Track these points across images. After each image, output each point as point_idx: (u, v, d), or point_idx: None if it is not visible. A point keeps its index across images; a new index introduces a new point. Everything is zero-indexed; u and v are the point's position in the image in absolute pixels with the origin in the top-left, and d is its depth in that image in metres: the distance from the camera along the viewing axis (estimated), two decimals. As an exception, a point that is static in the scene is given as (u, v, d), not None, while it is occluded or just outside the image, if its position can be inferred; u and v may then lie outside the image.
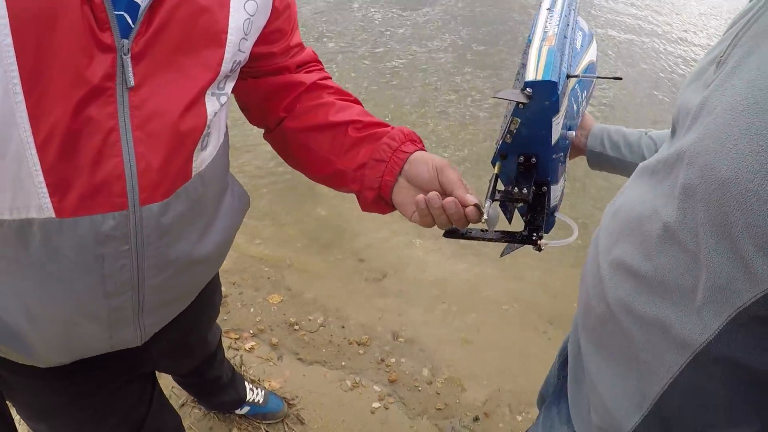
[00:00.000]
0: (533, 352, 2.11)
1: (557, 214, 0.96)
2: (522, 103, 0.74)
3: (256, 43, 0.79)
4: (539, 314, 2.27)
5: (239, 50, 0.75)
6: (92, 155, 0.62)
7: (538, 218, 0.82)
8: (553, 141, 0.78)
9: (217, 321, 1.38)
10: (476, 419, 1.84)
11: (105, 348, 0.77)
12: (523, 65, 0.82)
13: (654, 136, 1.05)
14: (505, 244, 0.86)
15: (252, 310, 2.20)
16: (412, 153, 0.83)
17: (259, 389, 1.76)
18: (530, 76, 0.72)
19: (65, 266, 0.66)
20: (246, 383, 1.72)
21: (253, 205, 1.01)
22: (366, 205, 0.89)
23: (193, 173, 0.74)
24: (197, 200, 0.76)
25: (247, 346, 2.06)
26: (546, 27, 0.83)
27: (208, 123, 0.72)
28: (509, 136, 0.79)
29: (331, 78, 0.95)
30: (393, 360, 2.01)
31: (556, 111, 0.75)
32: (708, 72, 0.64)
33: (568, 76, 0.80)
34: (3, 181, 0.60)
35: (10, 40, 0.54)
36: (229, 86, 0.77)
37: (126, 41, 0.60)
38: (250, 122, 0.96)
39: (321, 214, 2.75)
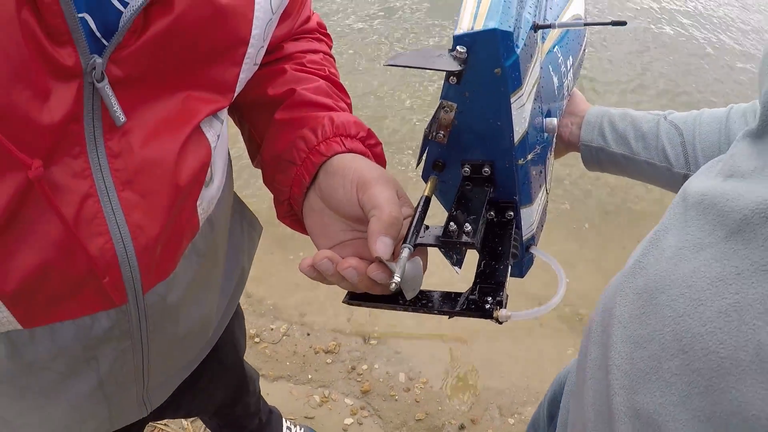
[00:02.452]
0: (524, 344, 1.89)
1: (535, 251, 0.65)
2: (452, 74, 0.46)
3: None
4: (529, 300, 2.05)
5: (255, 64, 0.55)
6: (62, 241, 0.44)
7: (498, 269, 0.51)
8: (518, 136, 0.50)
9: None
10: (462, 427, 1.62)
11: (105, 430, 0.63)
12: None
13: (678, 120, 0.74)
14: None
15: (208, 323, 1.98)
16: (331, 156, 0.55)
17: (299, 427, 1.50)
18: (464, 26, 0.45)
19: (45, 378, 0.52)
20: (284, 422, 1.44)
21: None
22: (281, 218, 0.63)
23: (201, 222, 0.57)
24: (207, 253, 0.61)
25: (205, 365, 1.85)
26: None
27: (212, 154, 0.54)
28: (443, 132, 0.50)
29: (323, 50, 0.70)
30: (365, 367, 1.79)
31: (517, 84, 0.47)
32: None
33: (536, 28, 0.51)
34: None
35: None
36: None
37: (98, 60, 0.40)
38: None
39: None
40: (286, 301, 2.03)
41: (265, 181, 0.64)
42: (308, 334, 1.91)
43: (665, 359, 0.34)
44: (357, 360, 1.82)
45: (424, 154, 0.54)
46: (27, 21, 0.36)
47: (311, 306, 2.01)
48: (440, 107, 0.49)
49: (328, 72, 0.66)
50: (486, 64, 0.45)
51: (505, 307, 0.49)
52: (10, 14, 0.35)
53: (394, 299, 0.52)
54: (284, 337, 1.90)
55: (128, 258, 0.48)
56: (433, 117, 0.50)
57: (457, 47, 0.44)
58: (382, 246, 0.46)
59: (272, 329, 1.93)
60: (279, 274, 2.14)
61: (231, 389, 1.05)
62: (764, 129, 0.35)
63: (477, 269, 0.52)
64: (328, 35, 0.74)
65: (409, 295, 0.49)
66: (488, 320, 0.49)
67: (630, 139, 0.75)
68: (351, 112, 0.65)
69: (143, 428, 0.85)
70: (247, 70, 0.54)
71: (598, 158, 0.79)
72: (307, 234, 0.59)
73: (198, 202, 0.55)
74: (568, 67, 0.69)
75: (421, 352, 1.84)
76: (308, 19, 0.70)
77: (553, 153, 0.72)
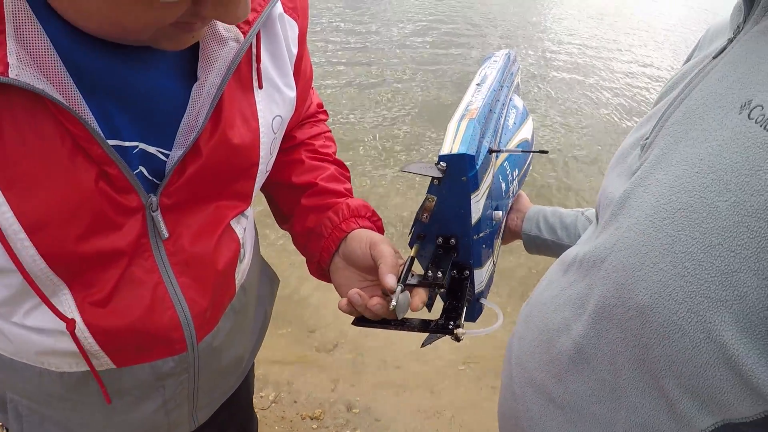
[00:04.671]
0: (492, 410, 2.08)
1: (483, 300, 0.87)
2: (436, 178, 0.68)
3: None
4: (497, 371, 2.26)
5: (266, 171, 0.73)
6: (144, 312, 0.61)
7: (457, 305, 0.75)
8: (474, 220, 0.72)
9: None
10: (435, 488, 1.78)
11: None
12: None
13: (590, 215, 0.98)
14: (425, 333, 0.76)
15: (200, 391, 2.12)
16: (350, 231, 0.78)
17: None
18: (445, 149, 0.68)
19: (127, 400, 0.69)
20: None
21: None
22: (312, 273, 0.87)
23: (237, 289, 0.75)
24: (240, 310, 0.78)
25: (196, 430, 1.97)
26: (470, 101, 0.79)
27: (241, 243, 0.72)
28: (426, 215, 0.73)
29: (325, 131, 0.93)
30: (347, 432, 1.95)
31: (476, 187, 0.69)
32: (632, 155, 0.56)
33: (490, 151, 0.74)
34: (59, 349, 0.61)
35: (34, 251, 0.52)
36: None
37: (153, 198, 0.57)
38: None
39: (271, 287, 2.71)
40: (276, 370, 2.20)
41: (296, 246, 0.87)
42: (295, 402, 2.07)
43: (533, 342, 0.61)
44: (340, 426, 1.97)
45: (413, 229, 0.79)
46: (103, 189, 0.53)
47: (300, 376, 2.18)
48: (426, 199, 0.71)
49: (333, 156, 0.90)
50: (457, 173, 0.67)
51: (459, 327, 0.73)
52: (92, 187, 0.52)
53: (387, 323, 0.75)
54: (273, 404, 2.05)
55: (188, 322, 0.65)
56: (421, 205, 0.73)
57: (441, 162, 0.67)
58: (389, 279, 0.69)
59: (262, 396, 2.08)
60: (270, 347, 2.31)
61: (241, 427, 1.22)
62: (596, 219, 0.61)
63: (443, 307, 0.77)
64: (325, 112, 0.95)
65: (399, 317, 0.73)
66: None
67: (557, 229, 1.00)
68: (350, 181, 0.89)
69: None
70: (259, 181, 0.71)
71: (535, 244, 1.04)
72: (329, 282, 0.83)
73: (235, 276, 0.73)
74: (514, 177, 0.95)
75: (399, 421, 2.01)
76: (310, 104, 0.90)
77: (501, 237, 0.97)
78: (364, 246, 0.76)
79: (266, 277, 0.98)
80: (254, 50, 0.62)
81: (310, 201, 0.83)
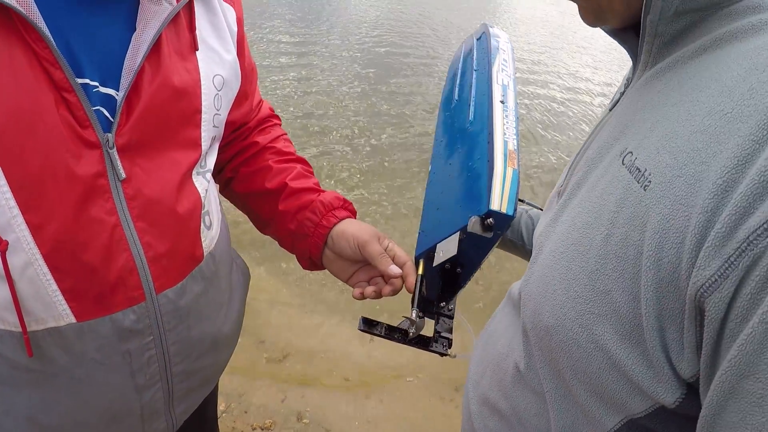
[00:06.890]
0: (441, 421, 2.16)
1: (459, 317, 0.93)
2: (481, 227, 0.68)
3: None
4: (444, 382, 2.34)
5: (214, 126, 0.77)
6: (102, 254, 0.63)
7: (449, 323, 0.82)
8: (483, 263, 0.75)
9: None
10: (384, 497, 1.83)
11: None
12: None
13: (534, 215, 1.02)
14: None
15: (148, 401, 2.09)
16: (332, 227, 0.88)
17: None
18: (495, 204, 0.67)
19: (92, 369, 0.67)
20: None
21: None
22: (305, 267, 0.96)
23: (205, 253, 0.77)
24: (211, 279, 0.79)
25: (143, 441, 1.95)
26: (506, 133, 0.76)
27: (203, 201, 0.75)
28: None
29: (283, 134, 1.01)
30: (298, 443, 1.98)
31: (499, 239, 0.71)
32: (554, 202, 0.63)
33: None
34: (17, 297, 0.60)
35: None
36: (211, 162, 0.79)
37: (109, 135, 0.61)
38: None
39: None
40: (226, 381, 2.20)
41: (283, 246, 0.96)
42: (246, 412, 2.08)
43: (488, 365, 0.69)
44: (291, 436, 2.01)
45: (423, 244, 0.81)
46: (64, 114, 0.57)
47: (250, 387, 2.19)
48: (460, 234, 0.72)
49: (295, 155, 0.98)
50: (495, 229, 0.67)
51: (450, 348, 0.82)
52: (52, 109, 0.56)
53: (392, 335, 0.82)
54: (223, 414, 2.06)
55: (143, 266, 0.66)
56: (450, 237, 0.74)
57: (489, 218, 0.66)
58: (394, 269, 0.82)
59: (212, 407, 2.08)
60: (219, 357, 2.31)
61: None
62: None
63: (435, 326, 0.85)
64: (277, 116, 1.04)
65: (412, 336, 0.80)
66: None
67: None
68: (314, 174, 0.96)
69: None
70: (206, 130, 0.74)
71: None
72: (322, 270, 0.95)
73: (202, 239, 0.75)
74: None
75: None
76: (260, 103, 0.98)
77: None
78: (353, 246, 0.86)
79: (238, 267, 1.00)
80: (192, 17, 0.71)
81: (286, 204, 0.91)
